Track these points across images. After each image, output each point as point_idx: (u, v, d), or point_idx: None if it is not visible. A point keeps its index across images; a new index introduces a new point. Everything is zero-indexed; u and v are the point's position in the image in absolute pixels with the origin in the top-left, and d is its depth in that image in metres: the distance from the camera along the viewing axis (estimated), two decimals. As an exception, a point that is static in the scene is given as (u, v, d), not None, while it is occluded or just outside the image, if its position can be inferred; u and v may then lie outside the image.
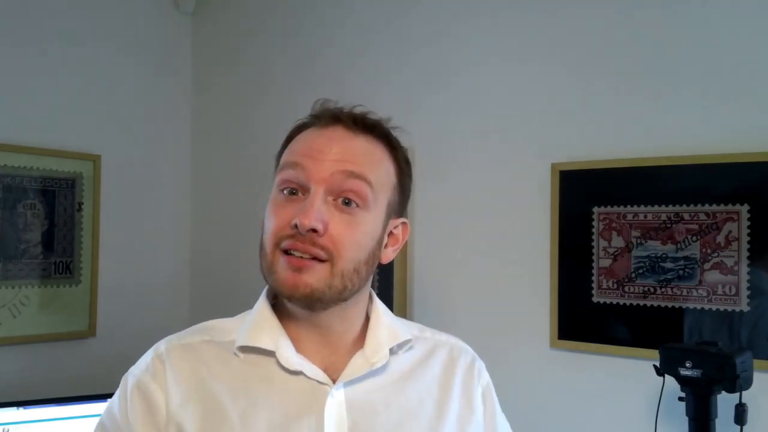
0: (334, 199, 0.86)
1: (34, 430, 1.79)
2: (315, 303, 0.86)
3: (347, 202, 0.86)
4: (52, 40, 2.20)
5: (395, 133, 0.95)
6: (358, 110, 0.93)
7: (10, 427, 1.77)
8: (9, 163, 2.08)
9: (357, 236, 0.86)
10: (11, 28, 2.11)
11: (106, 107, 2.33)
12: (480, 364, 1.03)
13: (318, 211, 0.83)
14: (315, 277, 0.84)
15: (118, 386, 0.91)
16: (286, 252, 0.84)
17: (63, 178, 2.20)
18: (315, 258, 0.84)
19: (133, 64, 2.41)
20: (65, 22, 2.23)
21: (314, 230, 0.83)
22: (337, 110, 0.92)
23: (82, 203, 2.25)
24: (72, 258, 2.22)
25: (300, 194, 0.86)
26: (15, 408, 1.79)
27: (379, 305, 0.97)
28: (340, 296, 0.86)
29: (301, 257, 0.84)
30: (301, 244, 0.83)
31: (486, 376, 1.03)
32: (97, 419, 0.92)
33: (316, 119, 0.92)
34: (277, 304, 0.94)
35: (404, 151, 0.96)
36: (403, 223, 0.96)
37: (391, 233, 0.94)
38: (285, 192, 0.87)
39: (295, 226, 0.83)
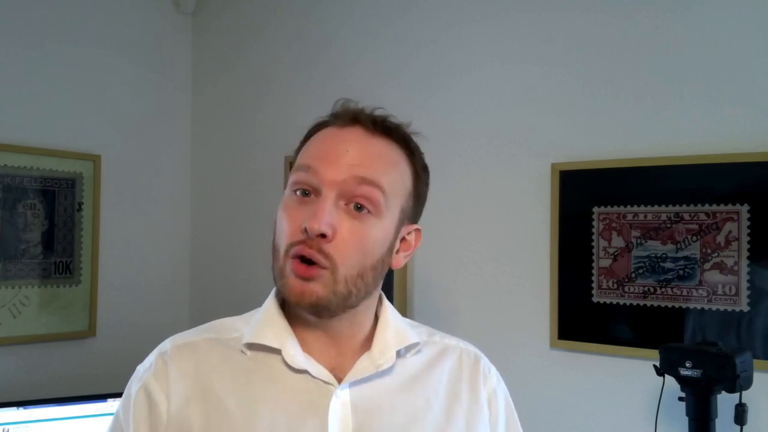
0: (345, 203, 0.85)
1: (34, 430, 1.79)
2: (322, 310, 0.85)
3: (359, 207, 0.85)
4: (52, 40, 2.20)
5: (415, 139, 0.93)
6: (378, 113, 0.91)
7: (10, 427, 1.77)
8: (9, 163, 2.08)
9: (364, 244, 0.85)
10: (11, 28, 2.11)
11: (106, 107, 2.33)
12: (486, 368, 1.01)
13: (329, 215, 0.83)
14: (320, 284, 0.83)
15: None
16: (295, 257, 0.84)
17: (63, 178, 2.20)
18: (318, 265, 0.83)
19: (133, 64, 2.41)
20: (65, 23, 2.23)
21: (323, 235, 0.82)
22: (358, 111, 0.91)
23: (82, 203, 2.25)
24: (72, 258, 2.22)
25: (312, 196, 0.85)
26: (15, 408, 1.79)
27: (388, 307, 0.96)
28: (346, 302, 0.86)
29: (308, 264, 0.83)
30: (309, 249, 0.83)
31: (492, 383, 1.00)
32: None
33: (336, 118, 0.91)
34: (286, 304, 0.93)
35: (422, 158, 0.94)
36: (417, 230, 0.95)
37: (403, 239, 0.93)
38: (297, 193, 0.87)
39: (305, 230, 0.82)
